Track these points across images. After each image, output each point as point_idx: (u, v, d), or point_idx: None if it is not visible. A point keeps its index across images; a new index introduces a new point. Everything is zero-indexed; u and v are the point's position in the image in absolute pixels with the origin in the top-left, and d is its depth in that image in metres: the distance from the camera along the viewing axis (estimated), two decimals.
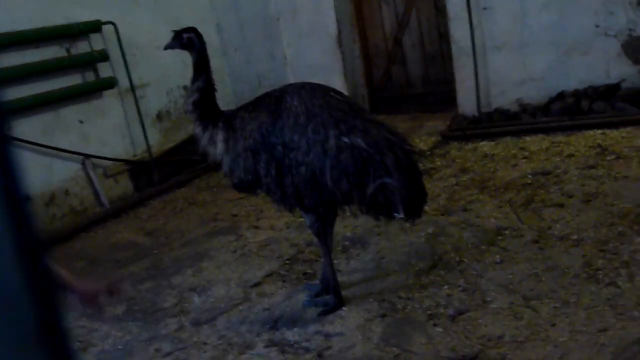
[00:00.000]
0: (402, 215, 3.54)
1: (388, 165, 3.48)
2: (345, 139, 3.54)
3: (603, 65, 6.82)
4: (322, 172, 3.59)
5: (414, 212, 3.64)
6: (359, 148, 3.52)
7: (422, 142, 7.05)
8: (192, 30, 3.91)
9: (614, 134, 6.19)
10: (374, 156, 3.50)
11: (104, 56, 6.79)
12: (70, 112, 6.55)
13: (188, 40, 3.89)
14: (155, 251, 5.49)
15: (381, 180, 3.49)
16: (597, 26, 6.76)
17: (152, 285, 4.81)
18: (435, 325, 3.61)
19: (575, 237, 4.31)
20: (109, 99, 6.98)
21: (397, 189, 3.48)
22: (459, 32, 7.30)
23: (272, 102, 3.82)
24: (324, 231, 3.95)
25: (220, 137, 3.92)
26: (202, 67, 3.90)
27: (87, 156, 6.61)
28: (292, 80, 7.51)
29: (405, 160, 3.55)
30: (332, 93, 3.81)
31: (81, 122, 6.66)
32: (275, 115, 3.73)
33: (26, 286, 0.58)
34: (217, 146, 3.94)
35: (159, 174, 7.27)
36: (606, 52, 6.78)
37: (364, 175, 3.52)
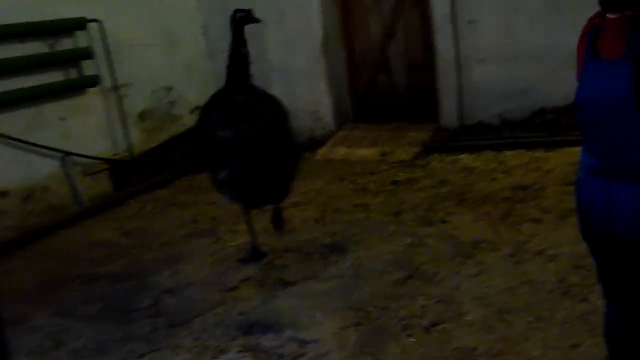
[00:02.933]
0: (225, 202, 4.83)
1: (231, 163, 4.48)
2: (221, 134, 4.48)
3: None
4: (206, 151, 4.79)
5: (247, 204, 4.82)
6: (225, 141, 4.46)
7: (403, 152, 7.08)
8: (236, 10, 4.94)
9: None
10: (230, 151, 4.46)
11: (87, 54, 6.75)
12: (52, 109, 6.51)
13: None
14: (132, 251, 5.45)
15: (226, 172, 4.52)
16: None
17: (128, 286, 4.78)
18: (409, 335, 3.62)
19: (551, 252, 4.35)
20: (92, 96, 6.93)
21: (231, 183, 4.55)
22: (443, 44, 7.33)
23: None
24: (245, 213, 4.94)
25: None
26: (233, 37, 4.83)
27: (67, 153, 6.57)
28: (277, 84, 7.51)
29: (254, 162, 4.47)
30: (238, 96, 4.67)
31: (63, 119, 6.62)
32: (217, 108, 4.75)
33: None
34: None
35: (139, 173, 7.22)
36: None
37: (222, 163, 4.56)
